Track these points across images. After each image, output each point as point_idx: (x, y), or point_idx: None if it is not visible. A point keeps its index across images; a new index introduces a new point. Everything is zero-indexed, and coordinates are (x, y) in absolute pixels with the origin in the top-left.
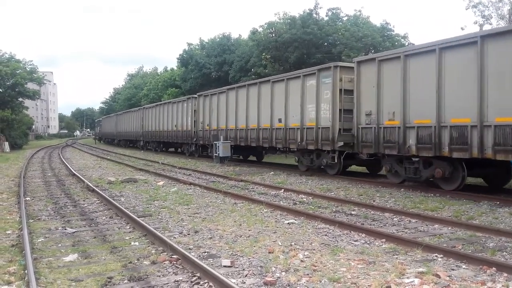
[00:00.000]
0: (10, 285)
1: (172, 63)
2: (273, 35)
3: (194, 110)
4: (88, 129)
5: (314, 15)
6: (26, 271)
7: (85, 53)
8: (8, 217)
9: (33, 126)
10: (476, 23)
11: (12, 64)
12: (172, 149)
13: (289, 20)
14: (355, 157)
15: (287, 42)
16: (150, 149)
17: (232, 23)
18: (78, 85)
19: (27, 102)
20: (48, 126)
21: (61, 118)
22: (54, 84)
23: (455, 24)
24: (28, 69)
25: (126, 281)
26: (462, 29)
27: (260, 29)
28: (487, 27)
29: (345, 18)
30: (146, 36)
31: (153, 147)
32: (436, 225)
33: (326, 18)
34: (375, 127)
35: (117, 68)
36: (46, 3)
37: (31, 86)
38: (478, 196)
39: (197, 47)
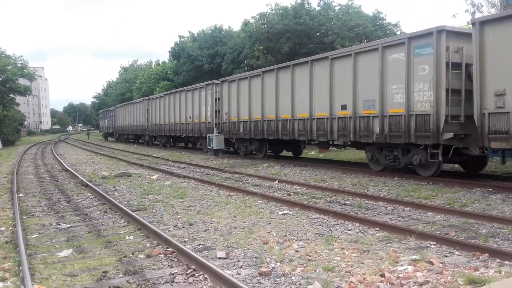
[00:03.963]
0: (5, 282)
1: (166, 56)
2: (265, 26)
3: None
4: (81, 124)
5: (306, 5)
6: (20, 267)
7: (76, 47)
8: (1, 214)
9: (25, 122)
10: (467, 11)
11: (2, 60)
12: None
13: (281, 11)
14: None
15: (279, 33)
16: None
17: (223, 15)
18: (70, 80)
19: (19, 98)
20: (40, 122)
21: (53, 113)
22: (45, 79)
23: (449, 10)
24: (18, 65)
25: (121, 275)
26: (454, 16)
27: (252, 21)
28: (478, 15)
29: (337, 8)
30: (140, 29)
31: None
32: (430, 213)
33: (318, 8)
34: None
35: (111, 62)
36: None
37: (22, 81)
38: (471, 183)
39: (188, 39)
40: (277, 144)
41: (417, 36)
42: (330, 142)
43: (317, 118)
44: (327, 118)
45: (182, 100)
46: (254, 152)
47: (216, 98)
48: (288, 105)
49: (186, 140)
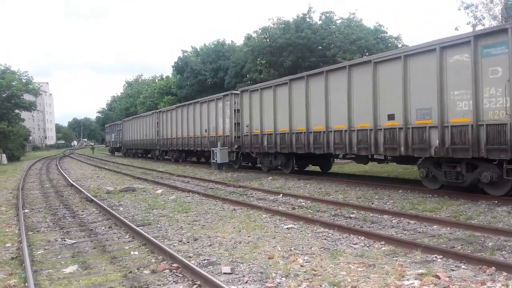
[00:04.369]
0: None
1: (169, 71)
2: (267, 40)
3: None
4: (85, 139)
5: (308, 19)
6: (26, 283)
7: (80, 63)
8: (7, 230)
9: (30, 138)
10: (469, 23)
11: (7, 76)
12: None
13: (283, 25)
14: None
15: (282, 47)
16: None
17: (226, 30)
18: (74, 94)
19: (24, 114)
20: (45, 137)
21: (58, 128)
22: (50, 94)
23: (450, 23)
24: (23, 81)
25: None
26: (457, 29)
27: (254, 35)
28: (479, 28)
29: (338, 21)
30: (143, 45)
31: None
32: (435, 226)
33: (319, 22)
34: None
35: (115, 76)
36: (36, 12)
37: (27, 97)
38: (476, 196)
39: (191, 54)
40: (304, 158)
41: (485, 34)
42: (369, 156)
43: (357, 130)
44: (371, 130)
45: (196, 112)
46: (279, 167)
47: (235, 110)
48: (321, 115)
49: (200, 154)
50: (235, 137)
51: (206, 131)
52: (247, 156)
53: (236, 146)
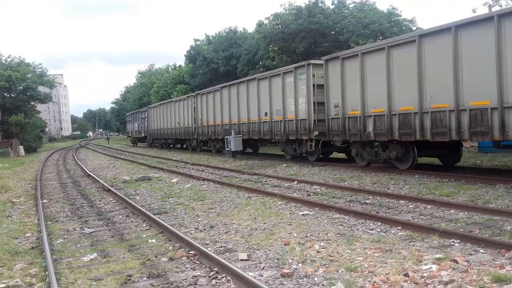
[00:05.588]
0: (32, 287)
1: (182, 60)
2: (280, 26)
3: None
4: (101, 130)
5: (320, 4)
6: (47, 272)
7: (93, 55)
8: (26, 220)
9: (46, 129)
10: (485, 4)
11: (22, 69)
12: None
13: (295, 11)
14: None
15: (294, 33)
16: None
17: (238, 17)
18: (88, 86)
19: (39, 106)
20: (61, 128)
21: (74, 119)
22: (65, 86)
23: (463, 4)
24: (38, 73)
25: (145, 278)
26: (474, 11)
27: (266, 21)
28: (495, 9)
29: (351, 5)
30: (156, 34)
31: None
32: (452, 210)
33: (332, 7)
34: None
35: (128, 67)
36: (49, 6)
37: (42, 89)
38: (494, 179)
39: (204, 42)
40: (420, 147)
41: None
42: None
43: None
44: None
45: (251, 92)
46: (389, 160)
47: (314, 85)
48: (487, 84)
49: (253, 144)
50: (314, 121)
51: (266, 115)
52: (326, 144)
53: (316, 133)
